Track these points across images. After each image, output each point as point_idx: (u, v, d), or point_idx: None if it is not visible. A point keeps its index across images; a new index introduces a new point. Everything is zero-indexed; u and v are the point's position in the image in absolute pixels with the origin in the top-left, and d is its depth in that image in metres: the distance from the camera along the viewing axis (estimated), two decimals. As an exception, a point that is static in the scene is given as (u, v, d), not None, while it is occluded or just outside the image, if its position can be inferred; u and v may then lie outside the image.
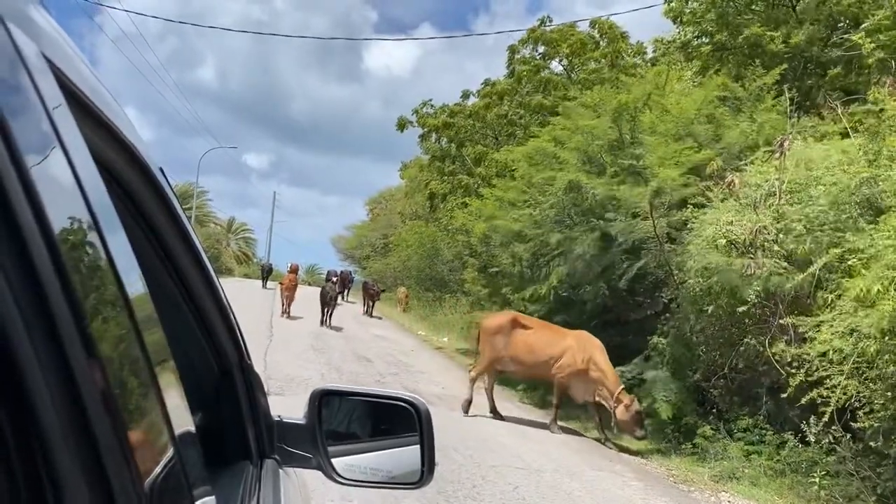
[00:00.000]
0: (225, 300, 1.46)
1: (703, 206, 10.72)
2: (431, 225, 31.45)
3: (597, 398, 9.76)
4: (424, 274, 30.35)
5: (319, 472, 1.69)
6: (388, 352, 16.47)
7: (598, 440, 9.92)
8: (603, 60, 15.58)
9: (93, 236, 0.65)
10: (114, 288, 0.68)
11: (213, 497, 0.95)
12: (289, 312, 19.13)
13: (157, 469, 0.70)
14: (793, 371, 8.55)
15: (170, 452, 0.75)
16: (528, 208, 12.13)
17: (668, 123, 11.76)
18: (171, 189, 1.19)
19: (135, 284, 0.76)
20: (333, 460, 1.67)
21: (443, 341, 20.49)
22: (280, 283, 19.94)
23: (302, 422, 1.68)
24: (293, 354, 14.04)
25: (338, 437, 1.74)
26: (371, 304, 23.76)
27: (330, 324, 18.11)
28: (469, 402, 10.54)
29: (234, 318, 1.53)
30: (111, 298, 0.67)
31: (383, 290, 23.77)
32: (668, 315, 11.22)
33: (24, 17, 0.66)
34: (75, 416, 0.53)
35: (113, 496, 0.56)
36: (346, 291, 25.44)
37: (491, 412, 10.55)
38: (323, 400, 1.69)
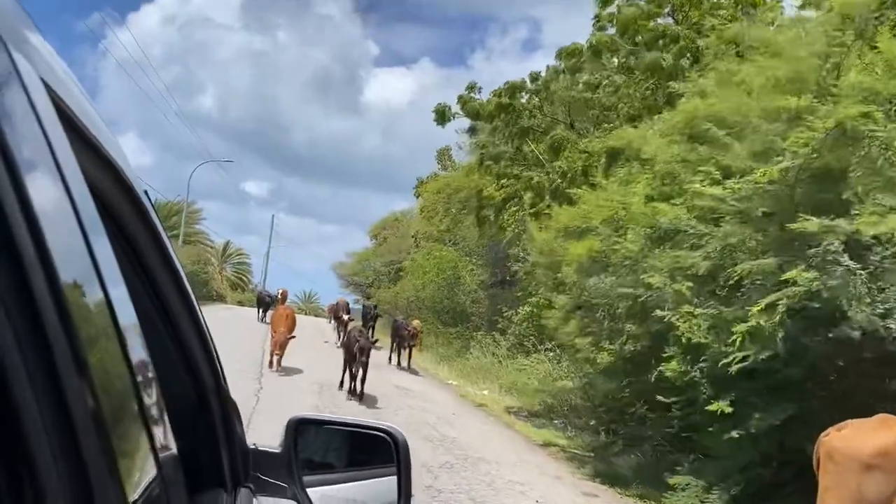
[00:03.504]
0: (204, 325, 1.37)
1: None
2: (450, 247, 26.28)
3: None
4: (442, 305, 24.95)
5: (294, 503, 1.55)
6: (422, 418, 11.08)
7: None
8: (726, 12, 10.51)
9: (86, 260, 0.63)
10: (104, 310, 0.66)
11: None
12: (279, 364, 13.21)
13: (141, 488, 0.67)
14: None
15: (153, 473, 0.73)
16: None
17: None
18: (156, 212, 1.15)
19: (123, 307, 0.73)
20: (308, 490, 1.55)
21: (483, 394, 15.09)
22: (273, 333, 13.30)
23: (277, 451, 1.58)
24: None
25: (313, 467, 1.63)
26: (408, 351, 16.66)
27: (362, 391, 11.33)
28: None
29: (213, 344, 1.41)
30: (102, 321, 0.65)
31: (420, 331, 17.03)
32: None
33: (24, 40, 0.65)
34: (64, 433, 0.51)
35: None
36: (369, 332, 18.28)
37: None
38: (299, 429, 1.59)
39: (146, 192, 1.11)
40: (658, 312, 6.94)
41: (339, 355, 16.18)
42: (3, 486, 0.46)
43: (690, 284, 6.77)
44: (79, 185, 0.65)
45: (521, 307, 18.19)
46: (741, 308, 6.54)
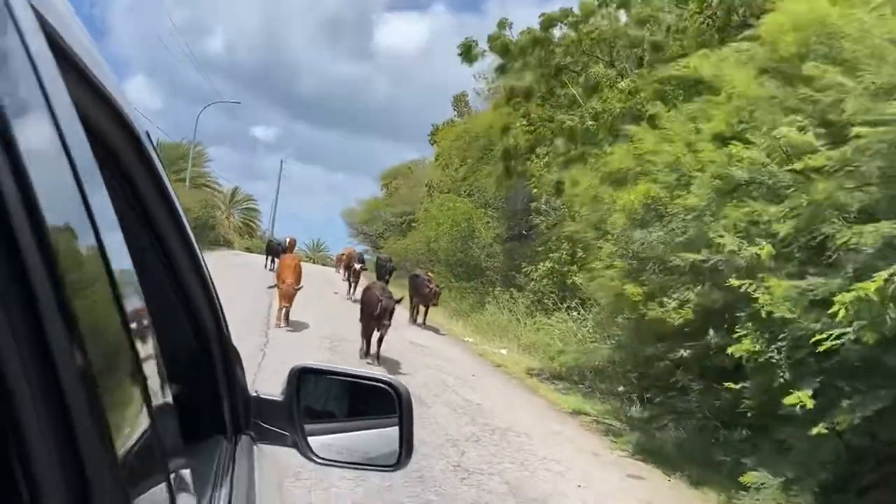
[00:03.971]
0: (206, 271, 1.34)
1: None
2: (465, 198, 25.11)
3: None
4: (456, 258, 23.92)
5: (294, 450, 1.56)
6: (440, 378, 10.20)
7: None
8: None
9: (76, 203, 0.59)
10: (96, 254, 0.62)
11: (188, 470, 0.91)
12: (286, 319, 12.14)
13: (133, 439, 0.65)
14: None
15: (146, 423, 0.70)
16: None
17: None
18: (158, 155, 1.10)
19: (118, 252, 0.70)
20: (310, 439, 1.55)
21: (501, 353, 14.21)
22: (279, 284, 11.76)
23: (279, 399, 1.56)
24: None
25: (315, 416, 1.62)
26: (424, 309, 15.04)
27: (378, 354, 10.20)
28: None
29: (215, 290, 1.39)
30: (93, 266, 0.62)
31: (441, 289, 15.78)
32: None
33: None
34: (49, 383, 0.48)
35: (84, 465, 0.50)
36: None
37: None
38: (302, 377, 1.56)
39: (147, 133, 1.04)
40: (733, 281, 5.88)
41: (349, 308, 15.31)
42: None
43: (772, 249, 5.70)
44: (72, 124, 0.61)
45: (541, 263, 17.19)
46: (837, 276, 5.49)
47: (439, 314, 18.61)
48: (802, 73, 5.46)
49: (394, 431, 1.57)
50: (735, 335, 6.68)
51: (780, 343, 5.81)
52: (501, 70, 12.94)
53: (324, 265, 35.72)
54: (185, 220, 1.22)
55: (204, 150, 39.59)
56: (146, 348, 0.76)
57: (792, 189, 5.83)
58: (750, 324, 5.98)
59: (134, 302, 0.73)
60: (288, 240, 23.85)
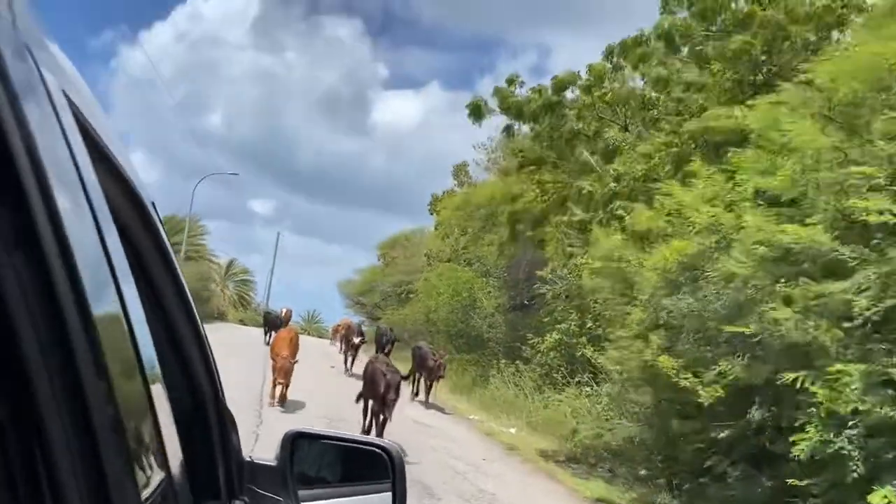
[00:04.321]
0: (204, 334, 1.37)
1: None
2: (465, 267, 24.45)
3: None
4: (456, 329, 23.04)
5: None
6: (449, 463, 9.27)
7: None
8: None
9: (105, 270, 0.64)
10: (121, 319, 0.67)
11: None
12: (283, 397, 11.23)
13: (151, 489, 0.69)
14: None
15: (162, 475, 0.74)
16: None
17: None
18: (161, 222, 1.17)
19: (137, 316, 0.76)
20: None
21: (510, 433, 13.22)
22: (272, 356, 11.12)
23: (273, 464, 1.56)
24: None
25: (309, 481, 1.62)
26: (428, 384, 14.08)
27: (382, 435, 8.96)
28: None
29: (212, 354, 1.41)
30: (118, 329, 0.66)
31: (447, 360, 14.67)
32: None
33: (47, 52, 0.66)
34: (82, 433, 0.51)
35: None
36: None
37: None
38: (296, 442, 1.58)
39: (153, 204, 1.10)
40: (788, 375, 5.19)
41: (347, 383, 14.38)
42: (24, 483, 0.46)
43: (837, 332, 5.01)
44: (97, 196, 0.66)
45: (547, 334, 16.34)
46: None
47: (440, 388, 17.59)
48: (861, 121, 4.90)
49: (387, 496, 1.54)
50: (785, 417, 5.94)
51: (850, 431, 5.03)
52: (508, 131, 12.49)
53: (319, 336, 34.66)
54: (186, 286, 1.25)
55: (198, 222, 39.04)
56: (162, 408, 0.80)
57: (856, 262, 5.17)
58: (813, 409, 5.21)
59: (151, 362, 0.79)
60: (284, 311, 23.08)
